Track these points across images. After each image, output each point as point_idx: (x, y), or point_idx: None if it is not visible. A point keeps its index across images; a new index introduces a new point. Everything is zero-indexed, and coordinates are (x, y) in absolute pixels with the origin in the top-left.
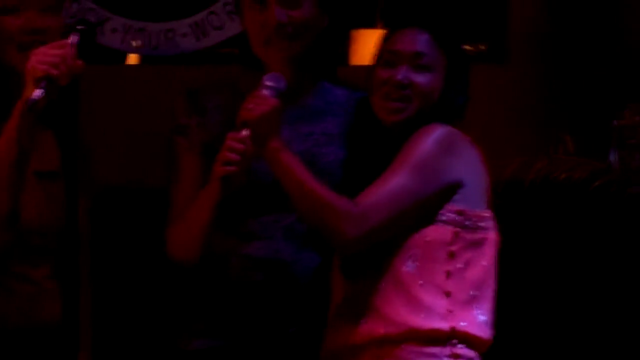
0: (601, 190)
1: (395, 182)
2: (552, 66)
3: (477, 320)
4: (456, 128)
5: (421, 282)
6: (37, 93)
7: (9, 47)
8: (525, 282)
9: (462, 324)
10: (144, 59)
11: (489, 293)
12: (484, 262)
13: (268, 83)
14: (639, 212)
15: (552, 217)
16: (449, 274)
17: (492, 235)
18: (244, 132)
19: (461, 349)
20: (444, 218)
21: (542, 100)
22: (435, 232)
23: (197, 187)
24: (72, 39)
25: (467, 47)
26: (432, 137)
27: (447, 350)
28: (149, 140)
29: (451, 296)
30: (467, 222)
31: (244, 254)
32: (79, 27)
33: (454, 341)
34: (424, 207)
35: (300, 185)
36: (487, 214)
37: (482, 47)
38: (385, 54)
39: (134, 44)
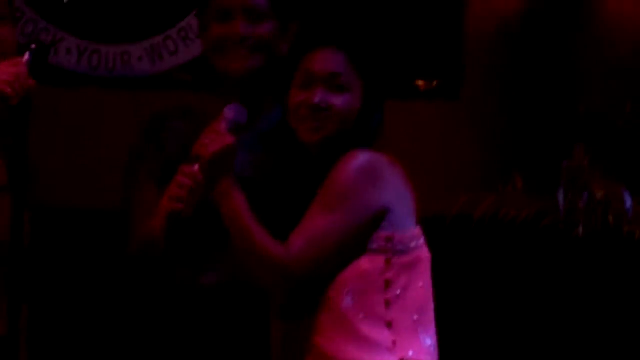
0: (548, 229)
1: (322, 222)
2: (504, 104)
3: (424, 345)
4: (376, 150)
5: (362, 315)
6: None
7: None
8: (470, 317)
9: (410, 353)
10: (98, 81)
11: (430, 314)
12: (421, 282)
13: (228, 116)
14: (583, 253)
15: (499, 254)
16: (388, 303)
17: (424, 253)
18: (196, 167)
19: None
20: (374, 247)
21: (493, 137)
22: (368, 263)
23: (153, 211)
24: (26, 58)
25: (420, 83)
26: (354, 167)
27: None
28: (90, 163)
29: (394, 325)
30: (398, 247)
31: (199, 285)
32: (32, 46)
33: None
34: (354, 240)
35: (241, 230)
36: (416, 231)
37: (435, 83)
38: (301, 74)
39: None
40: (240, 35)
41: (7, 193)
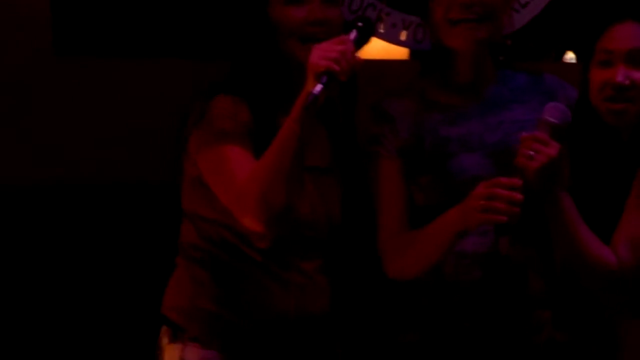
0: None
1: None
2: None
3: None
4: None
5: None
6: (317, 88)
7: (292, 38)
8: None
9: None
10: (414, 53)
11: None
12: None
13: (550, 119)
14: None
15: None
16: None
17: None
18: (518, 180)
19: None
20: None
21: None
22: None
23: (403, 189)
24: (353, 35)
25: None
26: None
27: None
28: None
29: None
30: None
31: (458, 251)
32: (359, 23)
33: None
34: None
35: (574, 240)
36: None
37: None
38: (598, 52)
39: (402, 37)
40: (470, 1)
41: (332, 174)
